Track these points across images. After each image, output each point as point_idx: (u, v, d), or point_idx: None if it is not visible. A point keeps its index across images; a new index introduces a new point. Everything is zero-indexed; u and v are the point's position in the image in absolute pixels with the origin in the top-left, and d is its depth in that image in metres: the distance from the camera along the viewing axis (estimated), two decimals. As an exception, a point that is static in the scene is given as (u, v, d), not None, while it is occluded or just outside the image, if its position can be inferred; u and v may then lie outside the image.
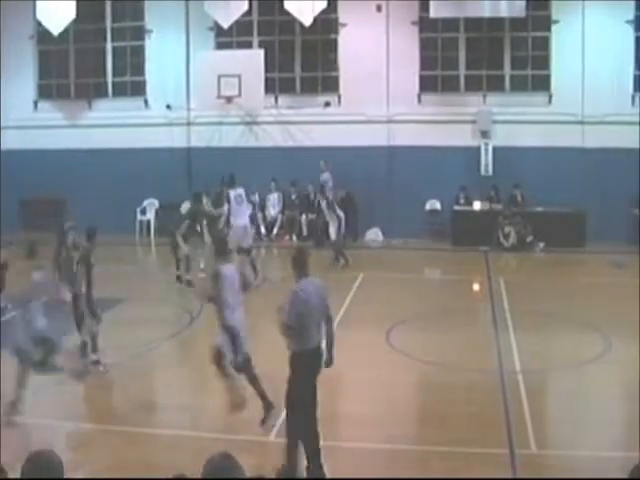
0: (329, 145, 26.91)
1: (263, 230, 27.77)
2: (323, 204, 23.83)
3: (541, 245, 25.57)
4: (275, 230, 27.95)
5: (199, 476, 5.39)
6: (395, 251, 26.32)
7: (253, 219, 27.02)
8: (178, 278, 21.06)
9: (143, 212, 28.34)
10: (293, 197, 28.01)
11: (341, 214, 23.35)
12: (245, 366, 11.82)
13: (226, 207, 21.59)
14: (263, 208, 28.13)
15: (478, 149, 26.96)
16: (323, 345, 10.39)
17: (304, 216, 27.65)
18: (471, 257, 24.97)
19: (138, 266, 25.62)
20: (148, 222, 28.42)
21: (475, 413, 12.42)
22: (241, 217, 21.44)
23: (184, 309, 18.98)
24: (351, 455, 11.27)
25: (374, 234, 27.67)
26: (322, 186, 25.37)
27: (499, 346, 15.69)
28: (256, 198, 27.91)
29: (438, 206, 27.45)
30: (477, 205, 26.73)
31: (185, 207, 23.52)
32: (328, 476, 10.20)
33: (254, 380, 11.83)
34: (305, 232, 27.68)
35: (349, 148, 26.87)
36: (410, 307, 18.94)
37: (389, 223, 27.17)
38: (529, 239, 25.69)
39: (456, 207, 26.90)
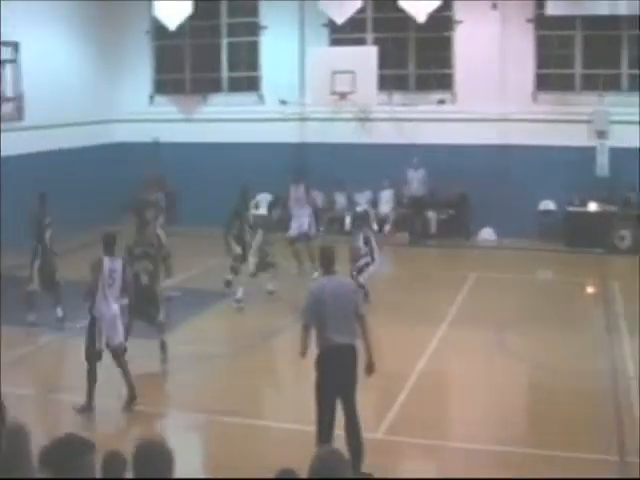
0: (442, 143, 26.70)
1: (375, 227, 27.71)
2: (360, 236, 19.98)
3: (658, 249, 24.97)
4: (386, 227, 27.87)
5: (306, 471, 5.42)
6: (507, 251, 25.97)
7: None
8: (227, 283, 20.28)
9: (256, 206, 28.46)
10: (406, 194, 27.86)
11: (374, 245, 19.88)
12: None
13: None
14: (375, 205, 28.10)
15: (593, 149, 26.42)
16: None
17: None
18: (585, 259, 24.47)
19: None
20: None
21: (584, 417, 12.23)
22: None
23: (290, 301, 19.10)
24: (457, 455, 11.23)
25: (487, 234, 27.36)
26: (365, 211, 24.23)
27: (612, 350, 15.41)
28: (368, 195, 28.01)
29: (552, 206, 27.00)
30: (592, 206, 26.22)
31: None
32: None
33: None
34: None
35: (462, 146, 26.60)
36: (521, 308, 18.72)
37: (501, 223, 26.81)
38: (646, 242, 25.13)
39: (570, 208, 26.43)
